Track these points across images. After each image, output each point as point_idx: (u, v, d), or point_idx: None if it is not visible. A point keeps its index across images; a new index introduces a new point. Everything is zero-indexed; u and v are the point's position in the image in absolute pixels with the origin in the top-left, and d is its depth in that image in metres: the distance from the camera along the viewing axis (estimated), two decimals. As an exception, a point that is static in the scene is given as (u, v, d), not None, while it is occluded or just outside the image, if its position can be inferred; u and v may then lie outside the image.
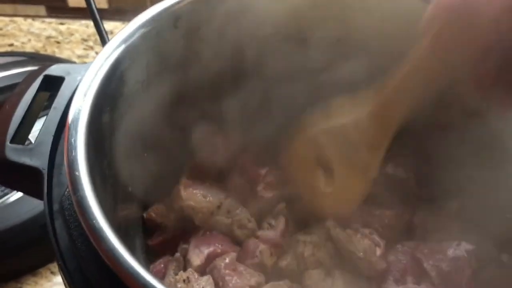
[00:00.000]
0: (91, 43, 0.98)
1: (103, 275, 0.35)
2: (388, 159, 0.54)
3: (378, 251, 0.49)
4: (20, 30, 1.01)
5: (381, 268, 0.49)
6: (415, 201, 0.54)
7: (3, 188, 0.68)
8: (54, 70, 0.48)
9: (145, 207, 0.54)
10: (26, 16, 1.03)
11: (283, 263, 0.50)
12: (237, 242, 0.52)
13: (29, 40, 0.99)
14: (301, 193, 0.53)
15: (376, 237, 0.50)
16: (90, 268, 0.36)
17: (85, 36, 1.00)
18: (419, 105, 0.39)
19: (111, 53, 0.44)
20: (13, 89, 0.48)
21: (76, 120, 0.39)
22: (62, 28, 1.01)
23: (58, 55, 0.96)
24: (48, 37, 1.00)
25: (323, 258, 0.50)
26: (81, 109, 0.40)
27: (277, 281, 0.48)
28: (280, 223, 0.52)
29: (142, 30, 0.46)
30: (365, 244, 0.49)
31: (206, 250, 0.50)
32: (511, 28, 0.29)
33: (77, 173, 0.36)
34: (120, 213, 0.46)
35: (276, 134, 0.53)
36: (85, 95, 0.41)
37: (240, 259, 0.50)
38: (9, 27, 1.01)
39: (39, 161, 0.42)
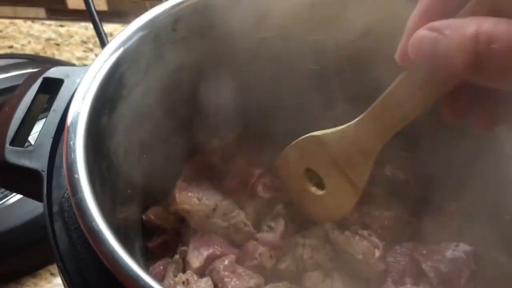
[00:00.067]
0: (90, 45, 0.98)
1: (102, 277, 0.35)
2: (386, 161, 0.54)
3: (377, 253, 0.49)
4: (20, 32, 1.01)
5: (380, 269, 0.49)
6: (414, 202, 0.54)
7: (2, 190, 0.69)
8: (53, 72, 0.48)
9: (144, 209, 0.54)
10: (26, 18, 1.03)
11: (283, 265, 0.50)
12: (236, 245, 0.52)
13: (29, 42, 0.99)
14: (293, 199, 0.53)
15: (375, 239, 0.50)
16: (89, 270, 0.36)
17: (84, 38, 1.00)
18: (418, 111, 0.38)
19: (110, 55, 0.44)
20: (13, 91, 0.48)
21: (75, 122, 0.39)
22: (62, 30, 1.01)
23: (57, 57, 0.96)
24: (48, 39, 1.00)
25: (322, 260, 0.50)
26: (80, 112, 0.40)
27: (276, 283, 0.48)
28: (280, 226, 0.52)
29: (141, 33, 0.46)
30: (364, 246, 0.49)
31: (205, 252, 0.50)
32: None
33: (76, 175, 0.36)
34: (119, 216, 0.46)
35: (273, 136, 0.53)
36: (84, 97, 0.41)
37: (239, 261, 0.50)
38: (9, 29, 1.01)
39: (39, 163, 0.42)
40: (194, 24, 0.49)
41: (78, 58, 0.97)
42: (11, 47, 0.98)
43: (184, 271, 0.49)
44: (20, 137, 0.44)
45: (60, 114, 0.45)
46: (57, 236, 0.39)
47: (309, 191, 0.50)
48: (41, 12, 1.03)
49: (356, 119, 0.43)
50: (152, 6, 0.48)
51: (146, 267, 0.50)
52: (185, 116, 0.53)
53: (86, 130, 0.39)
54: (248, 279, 0.47)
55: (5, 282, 0.70)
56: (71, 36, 1.00)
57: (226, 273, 0.47)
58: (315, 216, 0.52)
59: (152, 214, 0.53)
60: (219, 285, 0.47)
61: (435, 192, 0.53)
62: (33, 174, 0.42)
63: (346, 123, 0.44)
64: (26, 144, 0.45)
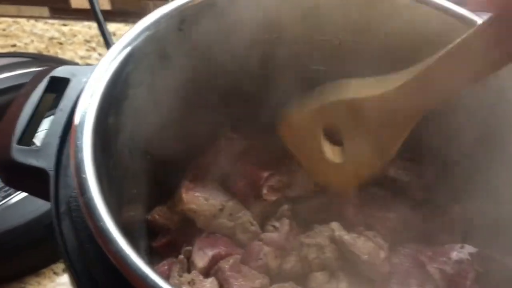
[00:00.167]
0: (93, 45, 0.98)
1: (110, 276, 0.35)
2: (390, 163, 0.54)
3: (382, 254, 0.49)
4: (23, 31, 1.01)
5: (384, 271, 0.49)
6: (418, 204, 0.54)
7: (6, 188, 0.68)
8: (60, 71, 0.48)
9: (148, 209, 0.54)
10: (29, 17, 1.03)
11: (288, 265, 0.50)
12: (241, 245, 0.52)
13: (32, 41, 0.99)
14: (303, 163, 0.51)
15: (380, 240, 0.50)
16: (97, 269, 0.36)
17: (87, 37, 1.00)
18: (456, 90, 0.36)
19: (116, 55, 0.44)
20: (16, 90, 0.48)
21: (82, 122, 0.39)
22: (65, 29, 1.01)
23: (60, 56, 0.96)
24: (51, 38, 1.00)
25: (327, 260, 0.50)
26: (87, 111, 0.40)
27: (281, 283, 0.48)
28: (285, 226, 0.52)
29: (146, 33, 0.46)
30: (369, 247, 0.49)
31: (210, 252, 0.50)
32: None
33: (84, 175, 0.36)
34: (124, 215, 0.46)
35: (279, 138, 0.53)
36: (91, 97, 0.41)
37: (244, 261, 0.50)
38: (12, 28, 1.01)
39: (46, 162, 0.42)
40: (200, 24, 0.49)
41: (81, 57, 0.97)
42: (14, 45, 0.98)
43: (188, 271, 0.49)
44: (27, 136, 0.44)
45: (67, 114, 0.45)
46: (64, 235, 0.39)
47: (324, 155, 0.47)
48: (45, 11, 1.03)
49: (398, 82, 0.39)
50: (156, 5, 0.48)
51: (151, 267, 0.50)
52: (191, 117, 0.53)
53: (93, 129, 0.39)
54: (253, 279, 0.47)
55: (8, 281, 0.70)
56: (74, 35, 1.00)
57: (231, 273, 0.48)
58: (324, 181, 0.49)
59: (156, 214, 0.53)
60: (225, 285, 0.47)
61: (440, 193, 0.54)
62: (40, 173, 0.42)
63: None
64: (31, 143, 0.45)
